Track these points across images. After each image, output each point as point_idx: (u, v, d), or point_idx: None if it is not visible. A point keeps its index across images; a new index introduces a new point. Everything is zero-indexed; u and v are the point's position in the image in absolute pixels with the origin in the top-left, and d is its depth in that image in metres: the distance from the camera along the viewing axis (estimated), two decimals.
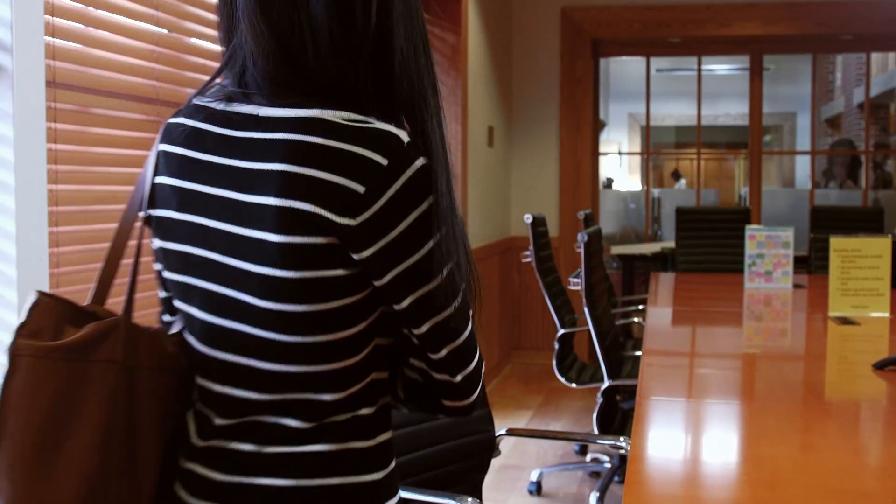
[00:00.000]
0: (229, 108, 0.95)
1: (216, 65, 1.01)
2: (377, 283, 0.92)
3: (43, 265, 1.53)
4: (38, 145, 1.52)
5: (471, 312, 1.02)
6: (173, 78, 1.96)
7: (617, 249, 6.14)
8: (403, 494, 1.07)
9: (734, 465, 1.45)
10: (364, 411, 0.97)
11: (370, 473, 0.98)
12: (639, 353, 3.04)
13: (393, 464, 1.03)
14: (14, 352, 0.89)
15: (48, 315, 0.92)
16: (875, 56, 9.10)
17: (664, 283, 4.19)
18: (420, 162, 0.90)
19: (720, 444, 1.58)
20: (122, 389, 0.93)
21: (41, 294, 0.93)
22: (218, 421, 0.97)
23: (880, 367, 2.12)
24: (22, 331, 0.90)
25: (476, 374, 1.03)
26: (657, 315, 3.20)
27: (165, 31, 1.96)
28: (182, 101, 1.03)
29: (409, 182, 0.89)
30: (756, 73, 5.94)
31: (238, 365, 0.94)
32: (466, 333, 1.00)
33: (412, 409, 1.06)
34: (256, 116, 0.92)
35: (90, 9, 1.73)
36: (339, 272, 0.90)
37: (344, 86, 0.93)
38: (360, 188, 0.87)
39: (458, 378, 1.01)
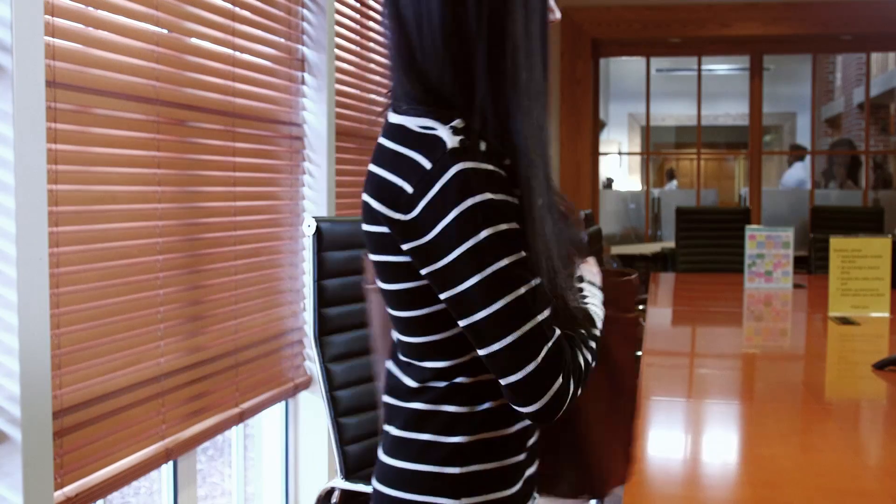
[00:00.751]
0: (386, 119, 1.08)
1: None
2: (422, 273, 1.00)
3: (43, 265, 1.53)
4: (38, 145, 1.52)
5: (533, 322, 0.97)
6: (173, 78, 1.96)
7: (617, 249, 6.14)
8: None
9: (734, 465, 1.45)
10: (461, 379, 1.05)
11: (457, 436, 1.04)
12: (639, 353, 3.03)
13: (492, 434, 1.05)
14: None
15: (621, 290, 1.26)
16: (875, 56, 9.11)
17: (664, 283, 4.19)
18: (457, 168, 0.95)
19: (720, 444, 1.58)
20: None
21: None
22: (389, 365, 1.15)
23: (880, 367, 2.12)
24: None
25: (528, 385, 0.96)
26: (657, 315, 3.20)
27: (165, 31, 1.96)
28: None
29: (444, 186, 0.95)
30: (756, 73, 5.94)
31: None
32: (505, 342, 0.96)
33: None
34: (386, 124, 1.06)
35: (90, 9, 1.73)
36: (398, 259, 1.02)
37: (446, 93, 1.01)
38: (410, 188, 0.97)
39: (503, 382, 0.98)
